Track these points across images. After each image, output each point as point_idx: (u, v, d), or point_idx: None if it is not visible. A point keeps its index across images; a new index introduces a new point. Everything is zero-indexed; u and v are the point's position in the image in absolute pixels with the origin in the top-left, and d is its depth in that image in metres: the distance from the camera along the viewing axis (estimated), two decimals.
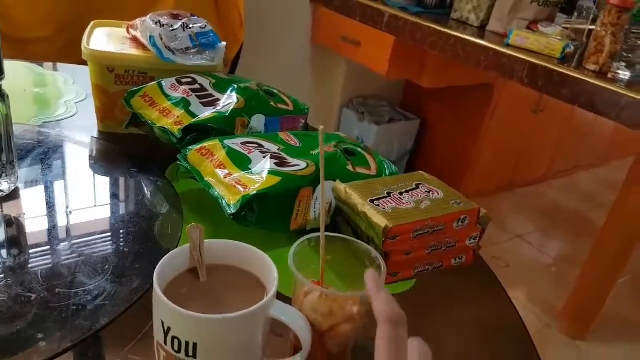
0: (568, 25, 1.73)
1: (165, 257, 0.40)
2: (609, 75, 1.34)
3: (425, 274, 0.57)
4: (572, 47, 1.49)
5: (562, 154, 2.70)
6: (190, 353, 0.36)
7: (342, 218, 0.59)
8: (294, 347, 0.43)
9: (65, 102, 0.86)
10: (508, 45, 1.49)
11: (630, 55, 1.37)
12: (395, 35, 1.76)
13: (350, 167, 0.62)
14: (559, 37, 1.51)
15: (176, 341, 0.36)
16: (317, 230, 0.42)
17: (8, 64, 0.98)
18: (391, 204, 0.55)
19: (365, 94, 2.38)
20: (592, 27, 1.45)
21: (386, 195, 0.57)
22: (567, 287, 1.73)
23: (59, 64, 1.05)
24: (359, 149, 0.66)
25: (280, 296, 0.40)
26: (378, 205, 0.54)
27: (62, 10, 1.45)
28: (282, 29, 2.05)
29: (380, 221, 0.52)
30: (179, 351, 0.36)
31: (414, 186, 0.59)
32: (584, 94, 1.31)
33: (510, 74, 1.46)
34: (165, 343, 0.37)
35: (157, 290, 0.36)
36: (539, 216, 2.50)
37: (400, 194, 0.57)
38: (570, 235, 2.40)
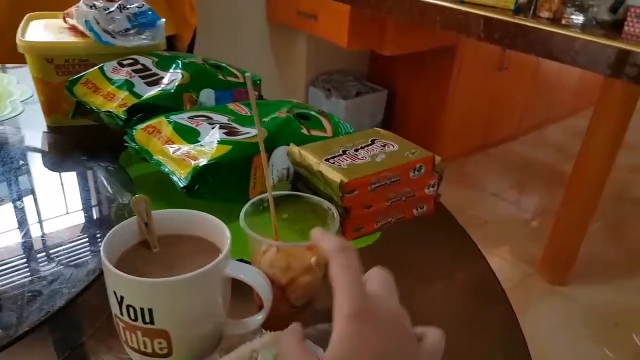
0: None
1: (113, 229, 0.39)
2: (563, 22, 1.36)
3: (389, 226, 0.57)
4: None
5: (531, 110, 2.74)
6: (147, 319, 0.35)
7: (301, 182, 0.59)
8: (258, 307, 0.43)
9: (10, 102, 0.83)
10: (463, 2, 1.49)
11: (581, 0, 1.39)
12: (351, 4, 1.74)
13: (304, 131, 0.61)
14: None
15: (131, 309, 0.35)
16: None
17: None
18: (346, 160, 0.55)
19: (330, 69, 2.36)
20: None
21: (341, 153, 0.56)
22: (545, 238, 1.76)
23: (5, 67, 1.01)
24: (313, 112, 0.65)
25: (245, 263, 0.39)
26: (333, 163, 0.54)
27: (1, 15, 1.40)
28: (235, 9, 2.01)
29: (336, 177, 0.51)
30: (135, 319, 0.35)
31: (369, 142, 0.59)
32: (540, 42, 1.32)
33: (467, 31, 1.46)
34: (122, 313, 0.36)
35: (104, 260, 0.36)
36: (513, 173, 2.54)
37: (356, 150, 0.57)
38: (544, 188, 2.45)
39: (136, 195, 0.41)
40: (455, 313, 0.49)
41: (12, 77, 0.94)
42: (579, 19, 1.36)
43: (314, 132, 0.62)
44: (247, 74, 0.38)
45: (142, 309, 0.35)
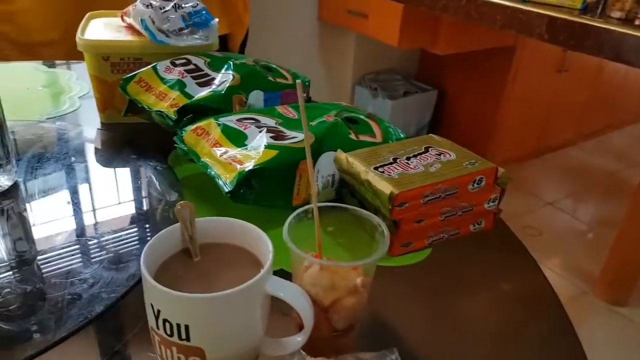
0: None
1: (154, 237, 0.38)
2: (637, 22, 1.25)
3: (441, 242, 0.54)
4: None
5: (592, 114, 2.58)
6: (184, 336, 0.34)
7: (346, 190, 0.56)
8: (298, 326, 0.41)
9: (68, 98, 0.85)
10: (525, 1, 1.41)
11: None
12: (404, 3, 1.69)
13: (352, 136, 0.58)
14: None
15: (167, 324, 0.34)
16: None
17: (15, 66, 1.00)
18: (397, 169, 0.52)
19: (378, 68, 2.32)
20: None
21: (392, 161, 0.53)
22: (604, 252, 1.65)
23: (70, 63, 1.05)
24: (362, 117, 0.62)
25: (285, 274, 0.38)
26: (383, 172, 0.51)
27: (69, 14, 1.45)
28: (287, 9, 2.01)
29: (385, 188, 0.48)
30: (171, 334, 0.34)
31: (423, 150, 0.56)
32: (609, 44, 1.23)
33: (529, 31, 1.38)
34: (158, 327, 0.35)
35: (144, 270, 0.35)
36: (570, 181, 2.40)
37: (408, 159, 0.54)
38: (604, 197, 2.30)
39: (180, 202, 0.40)
40: (510, 328, 0.46)
41: (72, 73, 0.97)
42: None
43: (363, 138, 0.59)
44: (298, 81, 0.36)
45: (178, 325, 0.34)
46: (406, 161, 0.53)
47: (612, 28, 1.22)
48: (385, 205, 0.48)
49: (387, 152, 0.55)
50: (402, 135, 0.62)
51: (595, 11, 1.35)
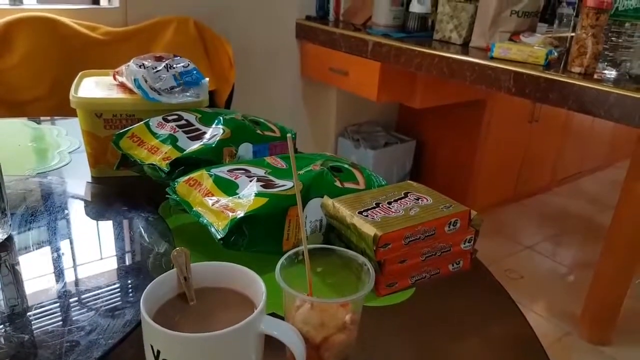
0: (550, 34, 1.76)
1: (152, 282, 0.40)
2: (595, 76, 1.36)
3: (423, 282, 0.56)
4: (556, 53, 1.51)
5: (564, 161, 2.69)
6: None
7: (334, 234, 0.59)
8: None
9: (58, 153, 0.88)
10: (492, 58, 1.52)
11: (612, 54, 1.39)
12: (381, 61, 1.80)
13: (337, 183, 0.62)
14: (541, 45, 1.54)
15: None
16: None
17: (3, 122, 1.02)
18: (380, 213, 0.55)
19: (359, 121, 2.41)
20: (574, 34, 1.48)
21: (375, 205, 0.57)
22: (584, 293, 1.69)
23: (54, 119, 1.08)
24: (346, 165, 0.66)
25: (277, 317, 0.40)
26: (367, 216, 0.54)
27: (54, 72, 1.51)
28: (271, 67, 2.11)
29: (370, 230, 0.52)
30: None
31: (402, 195, 0.60)
32: (572, 96, 1.32)
33: (498, 85, 1.48)
34: None
35: (144, 313, 0.36)
36: (547, 225, 2.47)
37: (389, 203, 0.57)
38: (581, 240, 2.36)
39: (177, 249, 0.42)
40: None
41: (61, 129, 1.00)
42: (611, 73, 1.36)
43: (347, 185, 0.63)
44: (288, 135, 0.40)
45: None
46: (388, 205, 0.57)
47: (574, 82, 1.32)
48: (370, 246, 0.51)
49: (370, 198, 0.58)
50: (383, 183, 0.66)
51: (557, 67, 1.45)
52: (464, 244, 0.58)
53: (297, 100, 2.24)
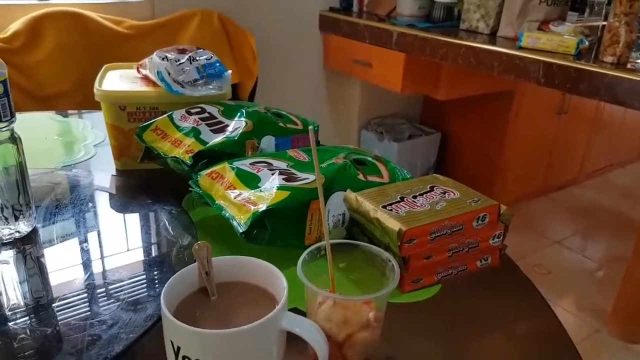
0: (580, 23, 1.70)
1: (173, 277, 0.40)
2: (629, 66, 1.30)
3: (450, 278, 0.55)
4: (587, 43, 1.45)
5: (594, 154, 2.61)
6: None
7: (357, 229, 0.58)
8: None
9: (84, 146, 0.89)
10: (520, 48, 1.47)
11: None
12: (406, 52, 1.76)
13: (361, 177, 0.61)
14: (571, 34, 1.48)
15: None
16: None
17: (31, 116, 1.04)
18: (405, 207, 0.54)
19: (383, 113, 2.38)
20: (606, 22, 1.42)
21: (399, 199, 0.55)
22: (614, 289, 1.63)
23: (81, 112, 1.09)
24: (369, 158, 0.65)
25: (299, 313, 0.39)
26: (391, 210, 0.53)
27: (80, 67, 1.53)
28: (294, 59, 2.09)
29: (394, 225, 0.50)
30: None
31: (428, 189, 0.58)
32: (604, 87, 1.27)
33: (526, 76, 1.43)
34: None
35: (164, 308, 0.36)
36: (576, 219, 2.40)
37: (414, 197, 0.56)
38: (611, 235, 2.29)
39: (198, 242, 0.42)
40: None
41: (87, 122, 1.01)
42: None
43: (371, 178, 0.62)
44: (310, 127, 0.39)
45: None
46: (413, 199, 0.55)
47: (606, 72, 1.26)
48: (394, 242, 0.50)
49: (395, 192, 0.57)
50: (408, 176, 0.65)
51: (588, 57, 1.40)
52: (493, 239, 0.56)
53: (320, 92, 2.22)
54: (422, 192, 0.57)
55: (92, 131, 0.96)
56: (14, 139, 0.54)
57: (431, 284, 0.54)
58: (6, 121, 0.51)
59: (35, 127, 0.98)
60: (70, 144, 0.91)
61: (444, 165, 2.40)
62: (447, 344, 0.48)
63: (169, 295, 0.38)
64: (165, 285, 0.38)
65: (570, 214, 2.44)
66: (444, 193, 0.57)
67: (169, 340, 0.36)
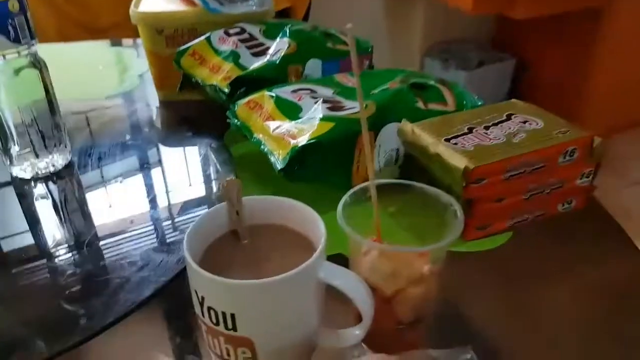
0: None
1: (199, 218, 0.35)
2: None
3: (524, 225, 0.46)
4: None
5: None
6: (230, 325, 0.31)
7: (414, 167, 0.50)
8: (358, 317, 0.36)
9: (128, 76, 0.86)
10: None
11: None
12: None
13: (420, 104, 0.52)
14: None
15: (212, 312, 0.31)
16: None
17: (79, 45, 1.02)
18: (473, 140, 0.45)
19: (450, 37, 2.17)
20: None
21: (467, 131, 0.46)
22: None
23: (136, 41, 1.05)
24: (431, 82, 0.56)
25: (344, 260, 0.34)
26: (456, 144, 0.44)
27: None
28: None
29: (459, 162, 0.42)
30: (217, 324, 0.31)
31: (504, 117, 0.48)
32: None
33: None
34: (203, 315, 0.32)
35: (186, 255, 0.32)
36: None
37: (486, 128, 0.47)
38: None
39: (227, 179, 0.37)
40: (604, 327, 0.38)
41: (132, 51, 0.97)
42: None
43: (432, 106, 0.53)
44: (348, 26, 0.30)
45: (224, 314, 0.31)
46: (484, 131, 0.46)
47: None
48: (458, 182, 0.42)
49: (462, 122, 0.48)
50: (479, 103, 0.55)
51: None
52: (581, 179, 0.46)
53: (380, 14, 2.05)
54: (496, 121, 0.48)
55: (137, 60, 0.92)
56: (38, 65, 0.50)
57: (501, 230, 0.46)
58: (25, 44, 0.47)
59: (84, 57, 0.96)
60: (116, 74, 0.88)
61: (518, 97, 2.19)
62: (514, 299, 0.41)
63: (194, 239, 0.34)
64: (190, 228, 0.34)
65: None
66: (524, 122, 0.47)
67: (194, 289, 0.32)
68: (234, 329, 0.31)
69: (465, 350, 0.32)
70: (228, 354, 0.32)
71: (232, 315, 0.30)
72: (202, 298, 0.31)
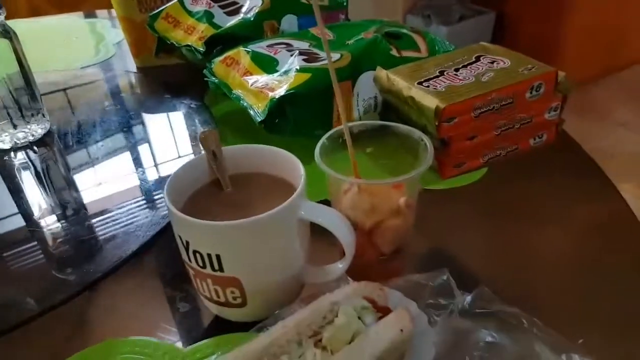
0: None
1: (179, 167, 0.36)
2: None
3: (498, 160, 0.48)
4: None
5: None
6: (216, 266, 0.32)
7: (391, 113, 0.51)
8: (342, 253, 0.38)
9: (103, 45, 0.85)
10: None
11: None
12: None
13: (394, 52, 0.53)
14: None
15: (198, 255, 0.32)
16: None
17: (51, 18, 1.00)
18: (445, 82, 0.46)
19: None
20: None
21: (438, 74, 0.47)
22: None
23: (110, 11, 1.03)
24: (405, 31, 0.56)
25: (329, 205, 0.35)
26: (428, 87, 0.45)
27: None
28: None
29: (430, 102, 0.43)
30: (204, 266, 0.33)
31: (474, 59, 0.49)
32: None
33: None
34: (190, 260, 0.33)
35: (167, 201, 0.33)
36: None
37: (456, 70, 0.48)
38: None
39: (204, 130, 0.37)
40: (581, 256, 0.40)
41: (106, 21, 0.96)
42: None
43: (406, 53, 0.54)
44: None
45: (209, 255, 0.32)
46: (454, 73, 0.47)
47: None
48: (431, 122, 0.43)
49: (433, 66, 0.49)
50: (450, 48, 0.56)
51: None
52: (549, 112, 0.48)
53: None
54: (465, 63, 0.49)
55: (112, 30, 0.91)
56: (7, 34, 0.49)
57: (476, 167, 0.48)
58: None
59: (55, 29, 0.94)
60: (90, 44, 0.86)
61: None
62: (492, 234, 0.43)
63: (175, 188, 0.35)
64: (170, 177, 0.35)
65: (637, 94, 2.21)
66: (492, 62, 0.48)
67: (178, 235, 0.33)
68: (221, 269, 0.32)
69: (442, 272, 0.33)
70: (217, 295, 0.33)
71: (218, 256, 0.32)
72: (187, 243, 0.33)
